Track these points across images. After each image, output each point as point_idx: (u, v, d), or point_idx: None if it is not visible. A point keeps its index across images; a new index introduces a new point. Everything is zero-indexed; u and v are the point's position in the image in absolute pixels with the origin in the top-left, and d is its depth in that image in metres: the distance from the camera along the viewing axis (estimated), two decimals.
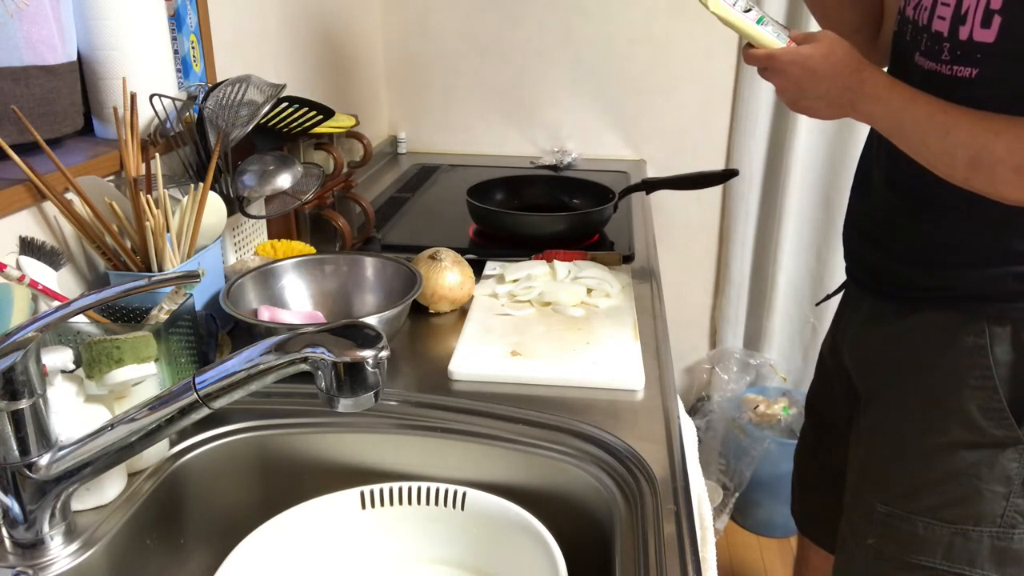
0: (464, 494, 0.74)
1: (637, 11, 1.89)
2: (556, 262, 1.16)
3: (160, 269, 0.84)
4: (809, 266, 2.01)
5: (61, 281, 0.82)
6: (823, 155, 1.89)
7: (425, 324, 1.03)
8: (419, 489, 0.75)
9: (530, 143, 2.04)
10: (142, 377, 0.68)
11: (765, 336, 2.07)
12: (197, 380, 0.58)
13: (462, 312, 1.06)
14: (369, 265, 1.01)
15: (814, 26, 1.74)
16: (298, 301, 0.99)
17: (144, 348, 0.67)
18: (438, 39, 1.97)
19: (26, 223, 0.81)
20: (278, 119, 1.06)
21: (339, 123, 1.24)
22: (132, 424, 0.59)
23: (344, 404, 0.57)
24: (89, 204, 0.82)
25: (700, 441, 1.92)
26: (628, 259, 1.26)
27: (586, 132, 2.01)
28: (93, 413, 0.67)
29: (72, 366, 0.67)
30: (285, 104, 1.05)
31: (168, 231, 0.84)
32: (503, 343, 0.95)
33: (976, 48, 0.76)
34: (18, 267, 0.76)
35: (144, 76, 0.95)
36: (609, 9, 1.89)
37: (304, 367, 0.57)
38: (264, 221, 1.17)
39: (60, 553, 0.62)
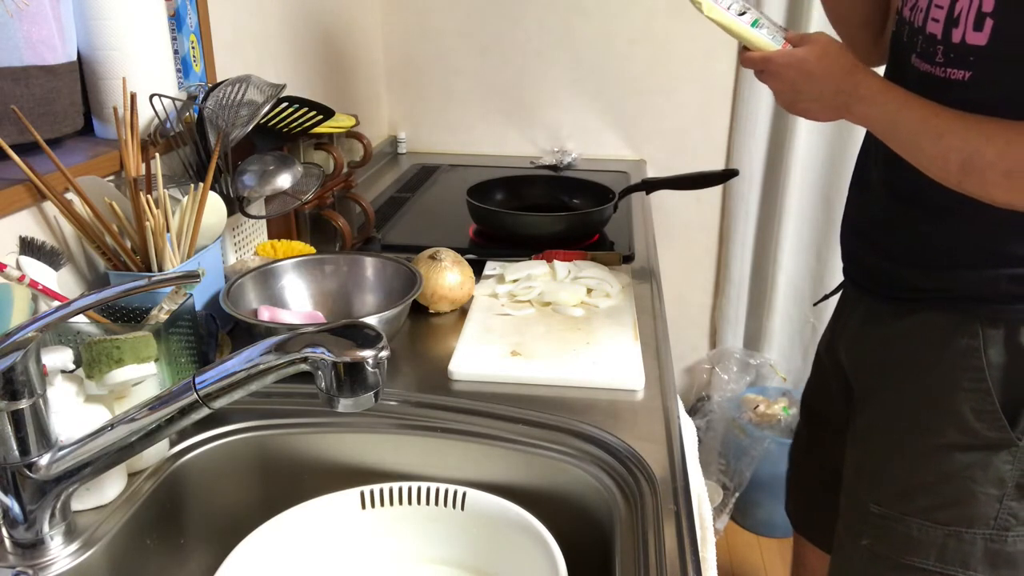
0: (464, 494, 0.74)
1: (637, 11, 1.89)
2: (556, 262, 1.16)
3: (160, 269, 0.84)
4: (809, 266, 2.01)
5: (61, 281, 0.82)
6: (823, 155, 1.89)
7: (425, 324, 1.03)
8: (419, 489, 0.75)
9: (530, 143, 2.04)
10: (142, 377, 0.68)
11: (765, 336, 2.07)
12: (197, 380, 0.58)
13: (462, 312, 1.06)
14: (369, 265, 1.01)
15: (814, 27, 1.75)
16: (298, 301, 0.99)
17: (144, 348, 0.67)
18: (438, 39, 1.97)
19: (26, 223, 0.81)
20: (278, 119, 1.06)
21: (339, 123, 1.24)
22: (132, 424, 0.59)
23: (344, 404, 0.57)
24: (89, 204, 0.82)
25: (700, 441, 1.92)
26: (628, 259, 1.26)
27: (586, 132, 2.01)
28: (93, 413, 0.67)
29: (72, 366, 0.67)
30: (285, 104, 1.05)
31: (168, 231, 0.84)
32: (503, 343, 0.95)
33: (969, 51, 0.76)
34: (18, 267, 0.76)
35: (144, 76, 0.95)
36: (609, 9, 1.89)
37: (304, 367, 0.57)
38: (264, 221, 1.17)
39: (60, 553, 0.62)
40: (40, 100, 0.84)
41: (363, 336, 0.57)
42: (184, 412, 0.59)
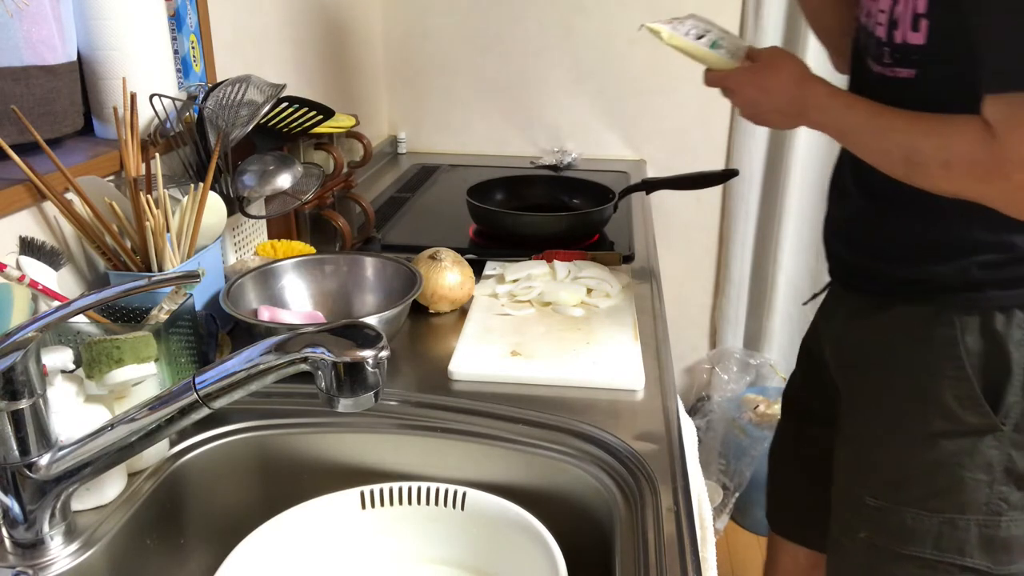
0: (464, 494, 0.74)
1: (637, 11, 1.88)
2: (556, 262, 1.16)
3: (160, 269, 0.84)
4: (809, 266, 2.01)
5: (61, 281, 0.82)
6: (823, 155, 1.89)
7: (425, 324, 1.03)
8: (419, 489, 0.75)
9: (530, 143, 2.04)
10: (142, 377, 0.68)
11: (765, 336, 2.08)
12: (197, 380, 0.58)
13: (462, 312, 1.06)
14: (369, 265, 1.01)
15: (812, 32, 1.76)
16: (298, 301, 0.99)
17: (144, 348, 0.67)
18: (438, 39, 1.97)
19: (26, 223, 0.81)
20: (278, 119, 1.06)
21: (339, 123, 1.24)
22: (132, 424, 0.59)
23: (344, 404, 0.57)
24: (89, 204, 0.82)
25: (700, 441, 1.92)
26: (628, 259, 1.26)
27: (586, 132, 2.01)
28: (93, 413, 0.67)
29: (72, 366, 0.67)
30: (285, 104, 1.05)
31: (168, 231, 0.84)
32: (503, 343, 0.95)
33: (910, 50, 0.81)
34: (18, 267, 0.76)
35: (144, 76, 0.95)
36: (609, 9, 1.89)
37: (304, 367, 0.57)
38: (264, 221, 1.17)
39: (60, 553, 0.62)
40: (40, 100, 0.84)
41: (363, 336, 0.57)
42: (184, 412, 0.59)
